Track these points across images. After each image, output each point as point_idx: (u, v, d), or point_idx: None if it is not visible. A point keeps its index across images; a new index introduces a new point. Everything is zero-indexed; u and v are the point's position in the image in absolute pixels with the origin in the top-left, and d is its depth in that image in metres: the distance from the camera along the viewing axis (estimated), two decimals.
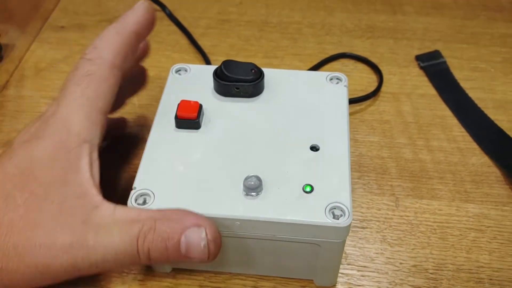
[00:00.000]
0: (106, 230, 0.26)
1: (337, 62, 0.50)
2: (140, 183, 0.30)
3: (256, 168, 0.30)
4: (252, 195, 0.29)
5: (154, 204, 0.29)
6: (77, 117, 0.29)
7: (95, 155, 0.30)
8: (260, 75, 0.34)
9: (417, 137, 0.43)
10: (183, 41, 0.52)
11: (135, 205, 0.29)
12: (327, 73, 0.37)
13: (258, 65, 0.35)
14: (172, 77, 0.37)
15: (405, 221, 0.37)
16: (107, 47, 0.31)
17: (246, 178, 0.29)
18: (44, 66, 0.50)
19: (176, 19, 0.54)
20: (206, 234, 0.27)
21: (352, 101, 0.44)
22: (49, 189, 0.27)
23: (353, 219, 0.36)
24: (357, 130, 0.43)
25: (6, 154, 0.29)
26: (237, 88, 0.34)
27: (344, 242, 0.30)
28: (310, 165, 0.31)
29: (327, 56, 0.50)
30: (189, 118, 0.32)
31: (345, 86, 0.36)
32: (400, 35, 0.53)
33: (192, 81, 0.36)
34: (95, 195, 0.28)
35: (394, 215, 0.37)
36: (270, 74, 0.35)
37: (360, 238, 0.36)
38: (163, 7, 0.55)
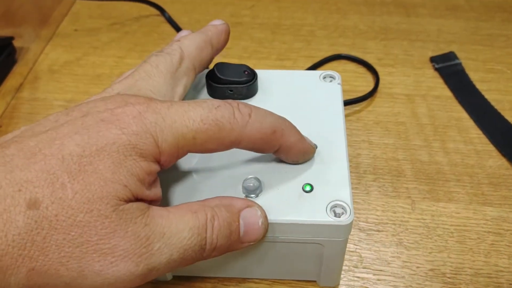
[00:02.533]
0: (173, 226, 0.24)
1: (335, 63, 0.50)
2: None
3: (254, 169, 0.30)
4: (251, 197, 0.29)
5: None
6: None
7: None
8: (253, 76, 0.34)
9: (433, 139, 0.42)
10: None
11: None
12: (320, 71, 0.36)
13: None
14: None
15: (422, 224, 0.36)
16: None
17: (245, 180, 0.29)
18: (57, 69, 0.50)
19: (176, 24, 0.54)
20: (260, 212, 0.27)
21: (349, 102, 0.44)
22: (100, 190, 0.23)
23: (369, 222, 0.36)
24: (372, 132, 0.43)
25: None
26: (231, 91, 0.34)
27: (346, 240, 0.29)
28: (308, 164, 0.30)
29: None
30: None
31: (338, 84, 0.35)
32: (414, 36, 0.53)
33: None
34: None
35: (410, 218, 0.37)
36: (263, 75, 0.35)
37: (375, 242, 0.35)
38: (162, 11, 0.55)
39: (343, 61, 0.50)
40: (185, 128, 0.24)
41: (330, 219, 0.27)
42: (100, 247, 0.22)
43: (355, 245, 0.35)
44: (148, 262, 0.23)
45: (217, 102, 0.26)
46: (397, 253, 0.34)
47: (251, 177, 0.29)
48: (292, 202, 0.28)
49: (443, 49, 0.51)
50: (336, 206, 0.28)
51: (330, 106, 0.34)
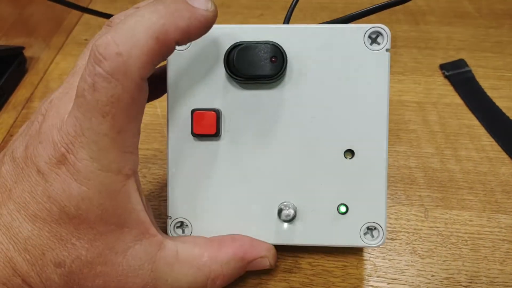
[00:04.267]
0: (175, 276, 0.26)
1: None
2: (175, 211, 0.29)
3: (287, 188, 0.29)
4: (286, 221, 0.29)
5: (193, 233, 0.29)
6: (113, 155, 0.24)
7: (139, 185, 0.27)
8: (282, 64, 0.28)
9: (445, 146, 0.42)
10: None
11: (174, 234, 0.29)
12: (366, 26, 0.29)
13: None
14: (172, 57, 0.29)
15: (435, 232, 0.36)
16: (137, 56, 0.22)
17: (282, 209, 0.28)
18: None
19: None
20: (269, 263, 0.29)
21: None
22: (108, 239, 0.25)
23: None
24: None
25: None
26: (254, 79, 0.29)
27: None
28: (344, 179, 0.29)
29: None
30: (207, 134, 0.29)
31: (386, 50, 0.29)
32: (423, 44, 0.53)
33: (197, 61, 0.29)
34: (155, 234, 0.26)
35: (424, 226, 0.36)
36: (292, 39, 0.28)
37: (389, 250, 0.35)
38: None
39: None
40: None
41: (364, 243, 0.28)
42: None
43: (369, 253, 0.35)
44: None
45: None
46: (411, 261, 0.34)
47: (288, 206, 0.29)
48: (327, 226, 0.29)
49: (452, 57, 0.51)
50: (369, 229, 0.29)
51: (373, 93, 0.28)
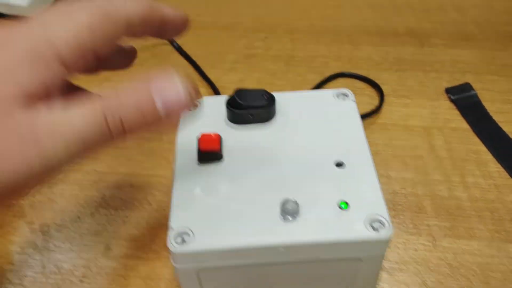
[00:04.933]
0: (62, 124, 0.23)
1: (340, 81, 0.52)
2: (177, 221, 0.29)
3: (287, 191, 0.30)
4: (289, 219, 0.29)
5: (195, 242, 0.28)
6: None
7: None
8: (272, 100, 0.35)
9: (452, 173, 0.42)
10: (194, 75, 0.53)
11: (175, 246, 0.28)
12: (333, 90, 0.37)
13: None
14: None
15: (444, 263, 0.35)
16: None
17: (284, 203, 0.29)
18: None
19: (185, 53, 0.55)
20: (178, 78, 0.24)
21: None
22: None
23: (390, 260, 0.36)
24: (390, 166, 0.42)
25: None
26: (251, 115, 0.34)
27: (383, 255, 0.30)
28: (340, 182, 0.31)
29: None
30: (212, 151, 0.32)
31: (353, 101, 0.36)
32: (429, 67, 0.53)
33: (204, 114, 0.36)
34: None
35: (432, 256, 0.36)
36: (279, 98, 0.36)
37: (398, 282, 0.35)
38: (171, 40, 0.56)
39: (346, 79, 0.52)
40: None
41: (370, 234, 0.28)
42: None
43: (377, 285, 0.34)
44: (42, 159, 0.23)
45: None
46: None
47: (289, 200, 0.29)
48: (331, 220, 0.29)
49: (458, 80, 0.51)
50: (374, 221, 0.28)
51: (349, 123, 0.34)
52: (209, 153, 0.33)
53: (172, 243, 0.28)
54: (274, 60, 0.54)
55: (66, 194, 0.42)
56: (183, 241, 0.29)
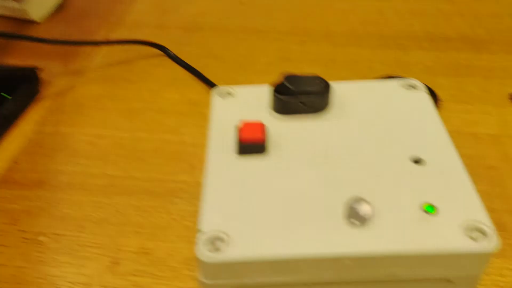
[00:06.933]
0: None
1: None
2: (209, 224, 0.22)
3: (352, 191, 0.23)
4: (357, 224, 0.22)
5: (233, 250, 0.21)
6: None
7: None
8: (327, 86, 0.29)
9: None
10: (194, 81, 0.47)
11: (207, 254, 0.21)
12: (399, 80, 0.31)
13: None
14: (217, 101, 0.31)
15: None
16: None
17: (353, 203, 0.22)
18: (84, 102, 0.45)
19: (179, 59, 0.49)
20: None
21: None
22: None
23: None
24: None
25: None
26: (302, 102, 0.28)
27: (480, 276, 0.22)
28: (421, 181, 0.24)
29: None
30: (255, 142, 0.26)
31: (425, 92, 0.30)
32: (489, 73, 0.46)
33: (241, 104, 0.30)
34: None
35: None
36: (334, 86, 0.30)
37: None
38: (164, 50, 0.50)
39: None
40: None
41: (469, 245, 0.21)
42: None
43: None
44: None
45: None
46: None
47: (359, 199, 0.23)
48: (414, 227, 0.22)
49: None
50: (472, 230, 0.22)
51: (423, 115, 0.28)
52: (251, 144, 0.26)
53: (202, 251, 0.21)
54: (312, 64, 0.49)
55: (70, 199, 0.35)
56: (217, 249, 0.21)
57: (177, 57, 0.49)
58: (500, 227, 0.32)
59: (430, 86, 0.44)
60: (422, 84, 0.30)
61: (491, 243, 0.21)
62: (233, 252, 0.21)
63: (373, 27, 0.54)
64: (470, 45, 0.50)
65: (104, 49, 0.52)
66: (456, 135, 0.39)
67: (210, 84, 0.45)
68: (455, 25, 0.54)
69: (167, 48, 0.50)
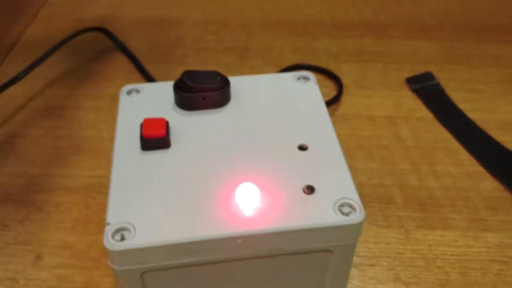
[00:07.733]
0: None
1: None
2: (114, 216, 0.25)
3: (244, 178, 0.26)
4: (248, 207, 0.25)
5: (137, 238, 0.24)
6: None
7: None
8: (226, 81, 0.31)
9: (420, 162, 0.39)
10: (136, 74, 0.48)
11: (113, 242, 0.23)
12: (293, 73, 0.34)
13: None
14: (124, 99, 0.32)
15: (419, 256, 0.32)
16: None
17: (241, 190, 0.25)
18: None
19: (128, 51, 0.50)
20: None
21: None
22: None
23: (360, 256, 0.32)
24: (355, 157, 0.39)
25: None
26: (203, 99, 0.31)
27: (355, 244, 0.26)
28: (304, 165, 0.27)
29: None
30: (157, 136, 0.28)
31: (314, 83, 0.33)
32: (388, 58, 0.50)
33: (147, 100, 0.32)
34: None
35: (406, 249, 0.33)
36: (234, 82, 0.32)
37: (370, 278, 0.31)
38: (114, 39, 0.51)
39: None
40: None
41: (340, 219, 0.24)
42: None
43: (348, 282, 0.31)
44: None
45: None
46: None
47: (246, 184, 0.25)
48: (296, 206, 0.25)
49: (419, 70, 0.48)
50: (343, 205, 0.25)
51: (312, 106, 0.31)
52: (154, 139, 0.28)
53: (109, 240, 0.24)
54: (227, 53, 0.51)
55: None
56: (123, 238, 0.24)
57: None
58: (389, 201, 0.36)
59: (335, 72, 0.48)
60: (313, 75, 0.33)
61: (359, 216, 0.24)
62: (136, 240, 0.24)
63: (285, 15, 0.57)
64: (373, 31, 0.54)
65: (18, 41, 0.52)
66: (356, 119, 0.44)
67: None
68: (360, 11, 0.58)
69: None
